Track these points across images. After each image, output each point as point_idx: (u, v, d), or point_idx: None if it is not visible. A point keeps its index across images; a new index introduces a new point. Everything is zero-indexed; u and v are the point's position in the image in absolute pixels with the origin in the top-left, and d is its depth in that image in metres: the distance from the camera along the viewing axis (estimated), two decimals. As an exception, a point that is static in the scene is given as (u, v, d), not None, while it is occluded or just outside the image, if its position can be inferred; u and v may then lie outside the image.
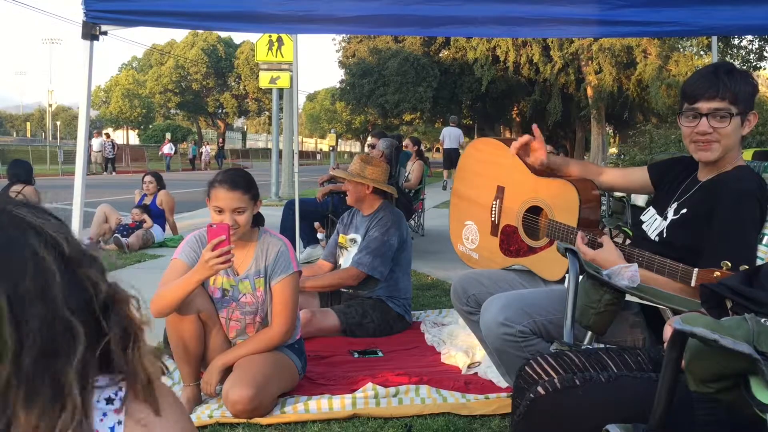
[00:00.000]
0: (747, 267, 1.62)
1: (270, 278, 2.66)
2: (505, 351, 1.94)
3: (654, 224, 2.03)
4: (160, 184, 7.31)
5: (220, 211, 2.55)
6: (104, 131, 31.23)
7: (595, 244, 2.00)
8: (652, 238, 1.99)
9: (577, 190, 2.20)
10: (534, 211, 2.37)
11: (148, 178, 7.38)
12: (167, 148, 32.52)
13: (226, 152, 39.15)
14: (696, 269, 1.73)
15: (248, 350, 2.61)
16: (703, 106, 1.84)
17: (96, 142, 26.62)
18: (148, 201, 7.22)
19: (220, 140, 41.21)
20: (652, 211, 2.08)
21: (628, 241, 2.82)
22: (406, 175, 7.51)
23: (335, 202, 5.73)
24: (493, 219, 2.45)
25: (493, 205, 2.46)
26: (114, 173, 26.43)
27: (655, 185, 2.17)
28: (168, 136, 36.66)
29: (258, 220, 2.72)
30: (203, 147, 38.07)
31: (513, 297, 2.00)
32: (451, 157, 16.45)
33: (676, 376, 1.17)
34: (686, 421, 1.33)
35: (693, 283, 1.72)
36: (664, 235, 1.95)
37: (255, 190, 2.63)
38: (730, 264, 1.64)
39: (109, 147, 27.23)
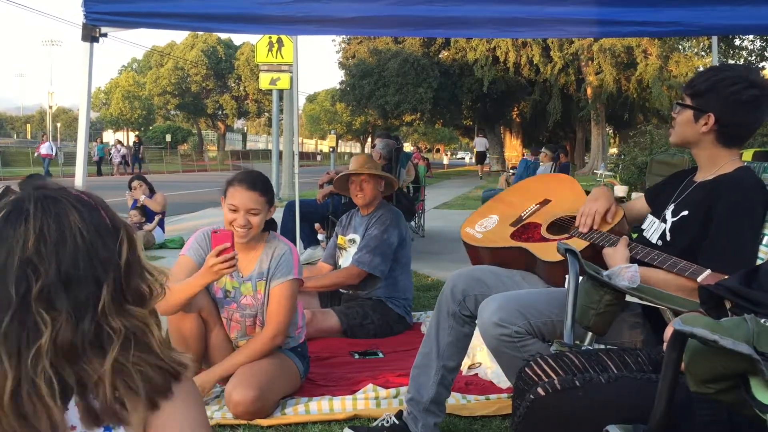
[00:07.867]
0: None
1: (270, 281, 2.66)
2: (501, 351, 1.94)
3: (653, 227, 2.05)
4: (149, 187, 7.35)
5: (235, 210, 2.55)
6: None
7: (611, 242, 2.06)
8: (654, 241, 2.00)
9: (624, 217, 2.24)
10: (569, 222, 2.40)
11: (135, 183, 7.38)
12: (45, 148, 25.46)
13: (143, 154, 30.31)
14: (708, 270, 1.75)
15: (244, 359, 2.59)
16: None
17: None
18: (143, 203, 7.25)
19: (136, 138, 32.64)
20: (650, 217, 2.11)
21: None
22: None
23: (335, 204, 5.73)
24: (522, 215, 2.46)
25: (530, 208, 2.48)
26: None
27: (652, 203, 2.21)
28: (43, 136, 27.87)
29: (269, 225, 2.72)
30: (114, 147, 30.15)
31: (509, 297, 2.00)
32: (480, 157, 27.77)
33: (676, 377, 1.16)
34: (686, 421, 1.33)
35: (700, 279, 1.73)
36: (667, 237, 1.96)
37: (272, 194, 2.66)
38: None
39: None
